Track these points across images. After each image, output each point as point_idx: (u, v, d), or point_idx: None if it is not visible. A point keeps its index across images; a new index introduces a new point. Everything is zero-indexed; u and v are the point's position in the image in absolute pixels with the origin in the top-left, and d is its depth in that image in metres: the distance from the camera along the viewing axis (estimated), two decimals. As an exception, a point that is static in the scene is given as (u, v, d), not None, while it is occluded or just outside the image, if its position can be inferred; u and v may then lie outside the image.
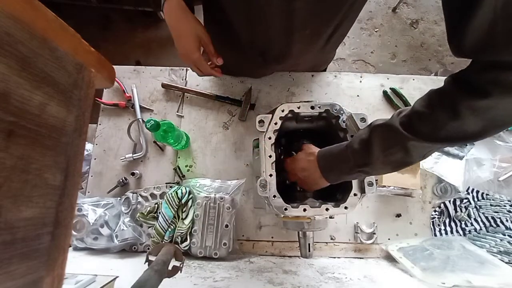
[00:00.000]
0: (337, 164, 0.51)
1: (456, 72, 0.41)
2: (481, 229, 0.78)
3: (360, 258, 0.77)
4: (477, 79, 0.37)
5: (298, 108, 0.56)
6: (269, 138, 0.54)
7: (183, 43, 0.61)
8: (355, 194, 0.52)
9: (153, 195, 0.80)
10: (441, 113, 0.40)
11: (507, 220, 0.77)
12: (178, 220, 0.72)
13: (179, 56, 0.63)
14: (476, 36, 0.33)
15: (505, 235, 0.75)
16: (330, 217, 0.58)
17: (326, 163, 0.53)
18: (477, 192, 0.81)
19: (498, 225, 0.77)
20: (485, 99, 0.35)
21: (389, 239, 0.79)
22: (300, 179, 0.58)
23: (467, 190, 0.81)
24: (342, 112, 0.56)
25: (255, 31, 0.63)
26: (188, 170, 0.84)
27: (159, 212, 0.73)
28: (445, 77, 0.42)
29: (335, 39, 0.71)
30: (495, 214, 0.78)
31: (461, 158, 0.81)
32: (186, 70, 0.91)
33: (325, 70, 0.94)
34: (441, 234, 0.78)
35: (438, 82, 0.90)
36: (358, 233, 0.78)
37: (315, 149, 0.56)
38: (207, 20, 0.71)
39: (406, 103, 0.87)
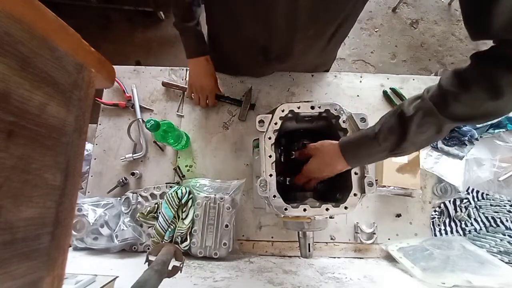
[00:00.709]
0: (369, 157, 0.50)
1: (483, 51, 0.40)
2: (481, 229, 0.78)
3: (360, 258, 0.77)
4: None
5: (298, 108, 0.56)
6: (269, 138, 0.54)
7: (205, 81, 0.81)
8: (355, 194, 0.52)
9: (153, 195, 0.80)
10: (479, 92, 0.39)
11: (507, 220, 0.77)
12: (178, 220, 0.72)
13: (194, 90, 0.83)
14: (506, 17, 0.34)
15: (505, 235, 0.75)
16: (330, 217, 0.58)
17: (356, 159, 0.51)
18: (477, 192, 0.81)
19: (498, 225, 0.77)
20: None
21: (389, 239, 0.79)
22: (321, 178, 0.58)
23: (467, 190, 0.81)
24: (342, 112, 0.56)
25: (259, 28, 0.63)
26: (188, 170, 0.84)
27: (159, 212, 0.73)
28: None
29: (336, 39, 0.70)
30: (495, 214, 0.78)
31: (461, 158, 0.81)
32: (186, 70, 0.91)
33: (327, 71, 0.94)
34: (441, 234, 0.78)
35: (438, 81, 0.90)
36: (358, 233, 0.78)
37: (332, 150, 0.53)
38: (212, 14, 0.71)
39: (406, 103, 0.87)
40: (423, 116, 0.43)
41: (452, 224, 0.79)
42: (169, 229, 0.71)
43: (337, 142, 0.53)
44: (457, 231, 0.78)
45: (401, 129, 0.45)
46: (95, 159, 0.85)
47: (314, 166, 0.57)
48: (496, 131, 0.82)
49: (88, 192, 0.83)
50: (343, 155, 0.51)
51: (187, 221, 0.71)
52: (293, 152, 0.66)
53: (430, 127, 0.44)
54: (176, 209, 0.72)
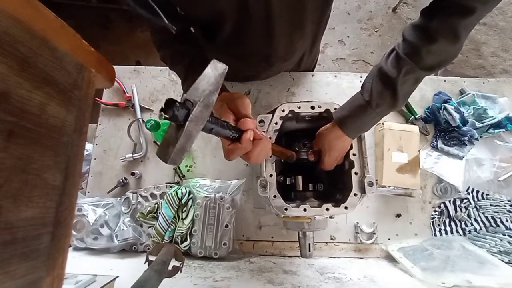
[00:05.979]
0: (367, 124, 0.53)
1: (431, 5, 0.45)
2: (481, 229, 0.78)
3: (360, 258, 0.77)
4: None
5: (298, 108, 0.56)
6: (269, 138, 0.54)
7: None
8: (355, 194, 0.52)
9: (153, 195, 0.80)
10: (444, 40, 0.44)
11: (507, 220, 0.77)
12: (178, 220, 0.72)
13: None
14: None
15: (505, 235, 0.75)
16: (330, 217, 0.58)
17: (356, 130, 0.54)
18: (477, 192, 0.81)
19: (498, 225, 0.77)
20: (473, 15, 0.41)
21: (389, 239, 0.78)
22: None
23: (467, 190, 0.81)
24: (342, 112, 0.55)
25: (259, 41, 0.62)
26: (188, 170, 0.84)
27: (159, 212, 0.73)
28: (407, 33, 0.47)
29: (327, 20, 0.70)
30: (495, 214, 0.78)
31: (461, 158, 0.81)
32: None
33: (313, 70, 0.94)
34: (441, 234, 0.78)
35: (437, 81, 0.90)
36: (358, 233, 0.78)
37: (335, 135, 0.54)
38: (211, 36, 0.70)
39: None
40: (405, 73, 0.47)
41: (452, 224, 0.79)
42: (169, 229, 0.71)
43: (331, 125, 0.55)
44: (457, 231, 0.78)
45: (390, 91, 0.49)
46: (95, 159, 0.85)
47: (332, 160, 0.57)
48: (496, 131, 0.82)
49: (88, 192, 0.82)
50: (345, 132, 0.53)
51: (187, 221, 0.71)
52: (306, 156, 0.63)
53: (410, 81, 0.49)
54: (176, 209, 0.72)
